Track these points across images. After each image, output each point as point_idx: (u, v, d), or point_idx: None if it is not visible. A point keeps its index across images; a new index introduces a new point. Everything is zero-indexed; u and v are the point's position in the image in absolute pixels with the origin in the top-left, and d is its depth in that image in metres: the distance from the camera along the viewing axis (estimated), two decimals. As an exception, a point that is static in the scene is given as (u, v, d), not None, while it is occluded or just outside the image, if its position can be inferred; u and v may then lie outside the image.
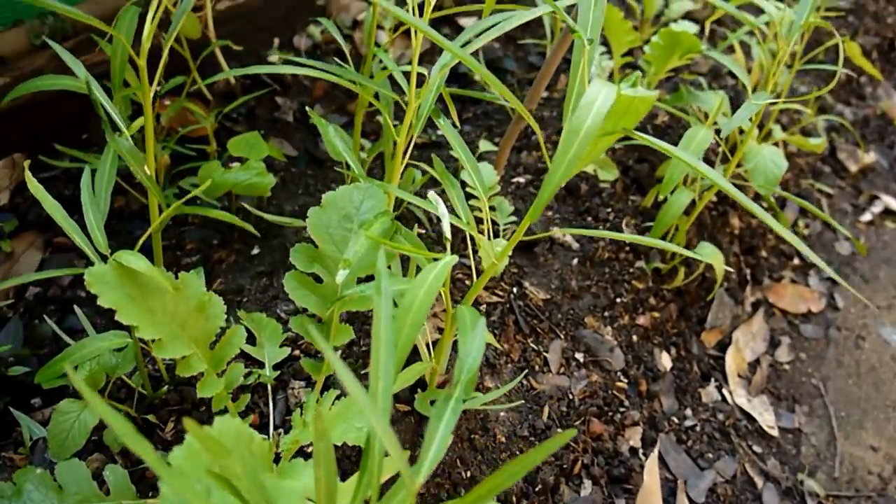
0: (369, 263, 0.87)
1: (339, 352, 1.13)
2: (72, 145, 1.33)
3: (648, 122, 1.72)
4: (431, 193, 0.81)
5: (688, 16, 2.14)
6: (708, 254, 1.40)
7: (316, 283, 0.89)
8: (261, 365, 1.09)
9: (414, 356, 1.14)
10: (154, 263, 0.93)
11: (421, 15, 0.92)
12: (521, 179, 1.51)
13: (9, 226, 1.29)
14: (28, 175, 0.82)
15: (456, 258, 0.72)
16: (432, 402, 1.04)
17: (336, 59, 1.52)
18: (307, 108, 0.99)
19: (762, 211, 0.69)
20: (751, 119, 1.28)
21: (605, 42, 1.78)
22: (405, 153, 1.02)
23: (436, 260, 0.75)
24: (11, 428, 1.03)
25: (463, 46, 0.91)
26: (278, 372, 1.10)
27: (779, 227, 0.69)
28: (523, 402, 1.17)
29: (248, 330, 1.16)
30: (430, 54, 1.91)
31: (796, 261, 1.81)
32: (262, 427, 1.05)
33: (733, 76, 2.01)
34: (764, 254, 1.77)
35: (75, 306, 1.02)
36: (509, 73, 1.91)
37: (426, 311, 0.69)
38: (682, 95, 1.49)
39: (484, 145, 1.54)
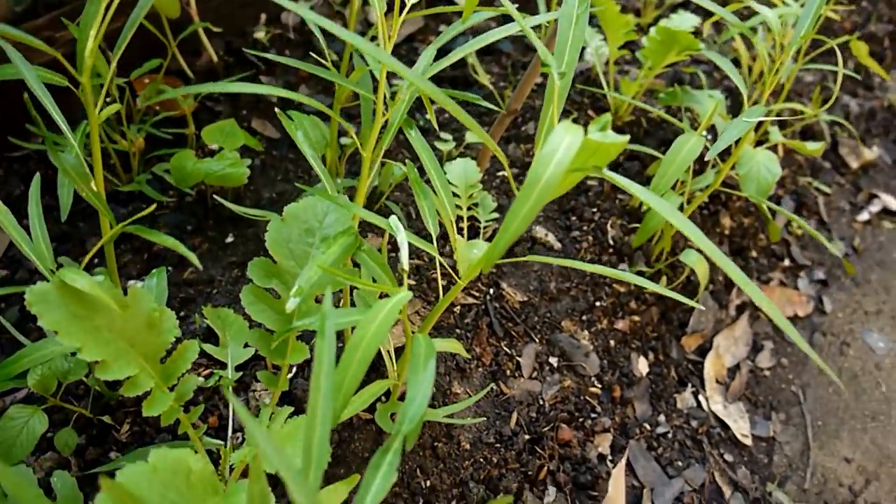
0: (327, 282, 0.85)
1: (296, 368, 1.11)
2: (47, 123, 1.30)
3: (642, 116, 1.68)
4: (392, 218, 0.78)
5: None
6: (693, 261, 1.37)
7: (273, 299, 0.87)
8: (223, 366, 1.08)
9: (379, 360, 1.12)
10: (109, 272, 0.91)
11: (389, 11, 0.88)
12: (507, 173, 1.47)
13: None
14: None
15: (410, 295, 0.69)
16: (392, 416, 1.02)
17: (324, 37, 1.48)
18: (276, 111, 0.95)
19: (724, 258, 0.66)
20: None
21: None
22: (379, 152, 0.98)
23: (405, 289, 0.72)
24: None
25: (436, 60, 0.87)
26: (241, 373, 1.08)
27: (736, 274, 0.66)
28: (485, 419, 1.16)
29: (211, 329, 1.14)
30: (423, 33, 1.86)
31: (787, 262, 1.78)
32: (220, 429, 1.04)
33: (736, 63, 1.95)
34: (754, 254, 1.74)
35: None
36: (505, 54, 1.85)
37: (374, 350, 0.66)
38: (676, 94, 1.45)
39: (470, 136, 1.50)
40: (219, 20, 1.49)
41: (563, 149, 0.59)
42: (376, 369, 1.12)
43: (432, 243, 0.87)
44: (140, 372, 0.80)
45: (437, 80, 1.34)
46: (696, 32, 1.88)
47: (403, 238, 0.76)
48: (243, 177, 1.25)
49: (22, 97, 1.37)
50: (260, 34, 1.62)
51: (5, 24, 0.64)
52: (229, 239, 1.33)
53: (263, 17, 1.66)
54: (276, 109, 0.95)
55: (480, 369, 1.22)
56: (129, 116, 1.29)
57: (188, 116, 1.37)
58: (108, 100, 1.30)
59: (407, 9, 0.77)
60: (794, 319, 1.68)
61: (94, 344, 0.75)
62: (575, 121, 1.60)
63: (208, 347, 1.04)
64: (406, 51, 1.81)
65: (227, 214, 1.37)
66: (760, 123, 1.62)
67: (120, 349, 0.78)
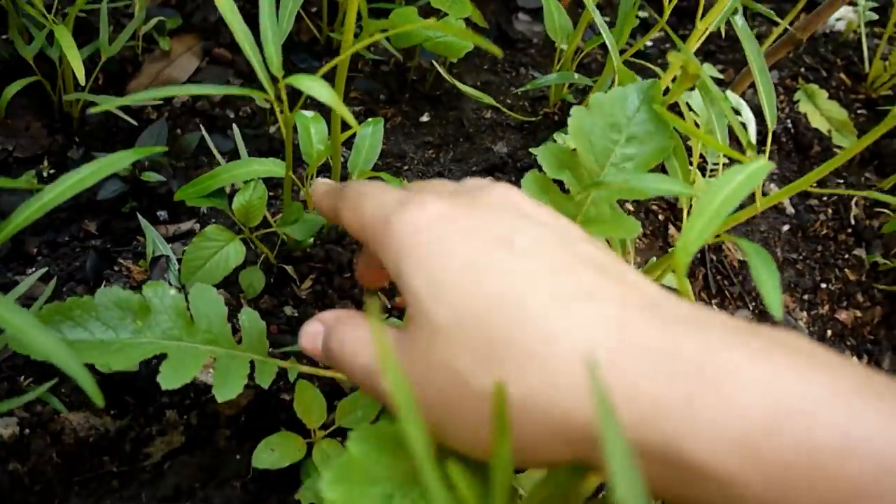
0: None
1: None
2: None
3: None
4: (730, 94, 0.61)
5: None
6: (947, 262, 1.16)
7: (561, 192, 0.71)
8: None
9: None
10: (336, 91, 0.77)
11: None
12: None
13: (172, 22, 1.15)
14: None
15: (773, 165, 0.51)
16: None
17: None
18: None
19: None
20: None
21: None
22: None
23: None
24: (133, 236, 0.91)
25: None
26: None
27: None
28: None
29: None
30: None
31: None
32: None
33: None
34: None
35: (234, 126, 0.87)
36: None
37: (717, 223, 0.48)
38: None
39: (708, 69, 1.30)
40: None
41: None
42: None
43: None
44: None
45: None
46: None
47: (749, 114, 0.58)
48: (464, 50, 1.09)
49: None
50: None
51: None
52: (424, 118, 1.18)
53: None
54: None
55: (686, 325, 1.04)
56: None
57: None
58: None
59: None
60: None
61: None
62: (822, 83, 1.38)
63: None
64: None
65: (423, 92, 1.22)
66: None
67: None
